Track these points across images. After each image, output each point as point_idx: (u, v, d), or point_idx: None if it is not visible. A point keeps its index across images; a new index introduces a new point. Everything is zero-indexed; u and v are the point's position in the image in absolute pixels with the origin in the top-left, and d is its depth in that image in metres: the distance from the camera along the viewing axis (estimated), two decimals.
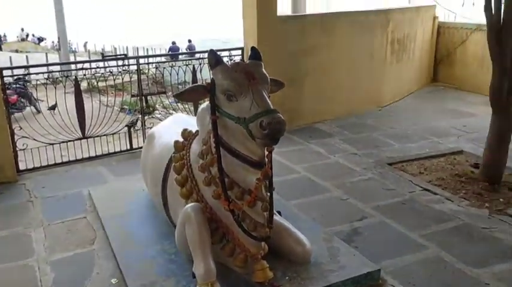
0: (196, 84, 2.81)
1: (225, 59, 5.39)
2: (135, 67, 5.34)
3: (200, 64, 5.55)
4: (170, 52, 16.69)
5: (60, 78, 5.28)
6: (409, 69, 7.98)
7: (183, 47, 19.83)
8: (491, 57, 4.29)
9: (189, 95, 2.67)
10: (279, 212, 3.17)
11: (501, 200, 4.16)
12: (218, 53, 5.89)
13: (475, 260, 3.16)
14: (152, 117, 7.93)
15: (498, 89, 4.31)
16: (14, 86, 9.44)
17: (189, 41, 20.15)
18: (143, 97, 5.69)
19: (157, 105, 9.21)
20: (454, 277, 3.00)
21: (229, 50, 5.86)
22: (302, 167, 4.93)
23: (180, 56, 10.04)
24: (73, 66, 5.61)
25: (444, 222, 3.72)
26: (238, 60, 4.00)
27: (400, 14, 7.27)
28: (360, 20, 6.71)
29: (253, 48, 2.66)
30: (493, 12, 4.13)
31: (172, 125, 3.45)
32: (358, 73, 6.79)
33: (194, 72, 5.55)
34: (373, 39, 6.85)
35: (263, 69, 2.56)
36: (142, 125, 5.42)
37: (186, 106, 5.96)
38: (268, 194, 2.70)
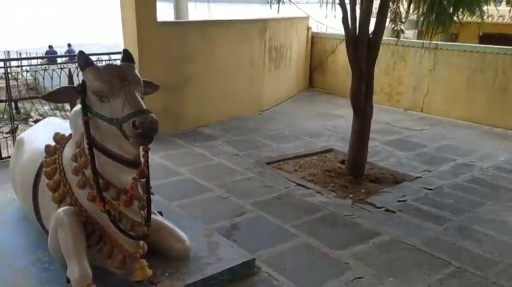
0: (65, 85, 2.75)
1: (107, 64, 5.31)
2: (3, 71, 4.98)
3: (77, 68, 5.35)
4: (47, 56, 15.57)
5: None
6: (287, 75, 8.55)
7: (62, 51, 18.61)
8: (350, 64, 4.83)
9: (57, 96, 2.62)
10: (160, 213, 3.24)
11: (363, 190, 4.70)
12: (98, 57, 5.76)
13: (338, 244, 3.56)
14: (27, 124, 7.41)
15: (357, 93, 4.87)
16: None
17: (69, 45, 18.98)
18: (13, 103, 5.31)
19: (32, 113, 8.60)
20: (320, 260, 3.35)
21: (108, 54, 5.75)
22: (186, 169, 5.04)
23: (58, 61, 9.49)
24: None
25: (314, 213, 4.11)
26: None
27: (276, 23, 7.76)
28: (239, 29, 7.04)
29: (125, 50, 2.71)
30: (350, 24, 4.67)
31: (44, 130, 3.32)
32: (240, 79, 7.10)
33: (71, 76, 5.35)
34: (252, 47, 7.22)
35: (135, 71, 2.62)
36: (12, 133, 5.07)
37: (64, 113, 5.70)
38: (146, 193, 2.75)
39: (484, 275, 3.19)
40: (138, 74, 2.61)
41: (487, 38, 10.25)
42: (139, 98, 2.49)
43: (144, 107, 2.47)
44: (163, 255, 2.96)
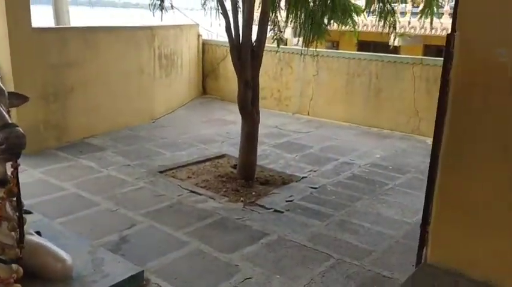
0: None
1: None
2: None
3: None
4: None
5: None
6: (179, 83, 8.51)
7: None
8: (235, 72, 4.97)
9: None
10: (38, 232, 3.05)
11: (253, 193, 4.86)
12: None
13: (229, 247, 3.64)
14: None
15: (244, 100, 5.03)
16: None
17: None
18: None
19: None
20: (211, 264, 3.40)
21: None
22: (71, 183, 4.78)
23: None
24: None
25: (205, 218, 4.15)
26: None
27: (164, 30, 7.70)
28: (126, 35, 6.86)
29: None
30: (233, 32, 4.81)
31: None
32: (130, 87, 6.92)
33: None
34: (141, 54, 7.08)
35: None
36: None
37: None
38: (17, 213, 2.56)
39: (360, 264, 3.48)
40: (1, 85, 2.43)
41: (363, 45, 11.21)
42: (2, 111, 2.32)
43: (9, 120, 2.31)
44: (43, 277, 2.78)
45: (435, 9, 4.92)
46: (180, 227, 3.93)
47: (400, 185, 5.20)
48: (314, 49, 5.22)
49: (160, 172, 5.30)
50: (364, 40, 10.71)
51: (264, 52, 7.02)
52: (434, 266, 2.41)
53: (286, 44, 10.58)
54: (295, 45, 11.00)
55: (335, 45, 12.36)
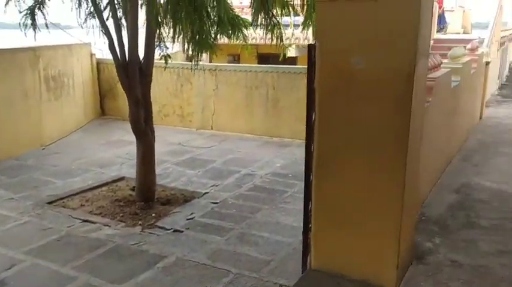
0: None
1: None
2: None
3: None
4: None
5: None
6: (72, 105, 8.04)
7: None
8: (124, 91, 4.78)
9: None
10: None
11: (153, 215, 4.68)
12: None
13: (122, 277, 3.43)
14: None
15: (136, 119, 4.85)
16: None
17: None
18: None
19: None
20: None
21: None
22: None
23: None
24: None
25: (98, 248, 3.89)
26: None
27: (51, 51, 7.24)
28: (4, 58, 6.33)
29: None
30: (118, 50, 4.63)
31: None
32: (13, 113, 6.39)
33: None
34: (23, 77, 6.59)
35: None
36: None
37: None
38: None
39: (258, 276, 3.45)
40: None
41: (263, 58, 11.45)
42: None
43: None
44: None
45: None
46: (67, 262, 3.64)
47: (298, 191, 5.30)
48: (200, 63, 5.19)
49: (49, 203, 4.93)
50: (264, 53, 10.94)
51: (163, 68, 6.87)
52: (318, 271, 2.45)
53: (191, 60, 10.36)
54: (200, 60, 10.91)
55: (236, 59, 12.49)
